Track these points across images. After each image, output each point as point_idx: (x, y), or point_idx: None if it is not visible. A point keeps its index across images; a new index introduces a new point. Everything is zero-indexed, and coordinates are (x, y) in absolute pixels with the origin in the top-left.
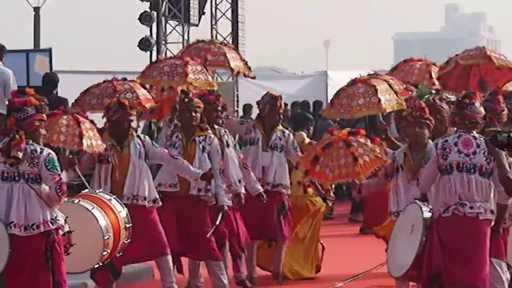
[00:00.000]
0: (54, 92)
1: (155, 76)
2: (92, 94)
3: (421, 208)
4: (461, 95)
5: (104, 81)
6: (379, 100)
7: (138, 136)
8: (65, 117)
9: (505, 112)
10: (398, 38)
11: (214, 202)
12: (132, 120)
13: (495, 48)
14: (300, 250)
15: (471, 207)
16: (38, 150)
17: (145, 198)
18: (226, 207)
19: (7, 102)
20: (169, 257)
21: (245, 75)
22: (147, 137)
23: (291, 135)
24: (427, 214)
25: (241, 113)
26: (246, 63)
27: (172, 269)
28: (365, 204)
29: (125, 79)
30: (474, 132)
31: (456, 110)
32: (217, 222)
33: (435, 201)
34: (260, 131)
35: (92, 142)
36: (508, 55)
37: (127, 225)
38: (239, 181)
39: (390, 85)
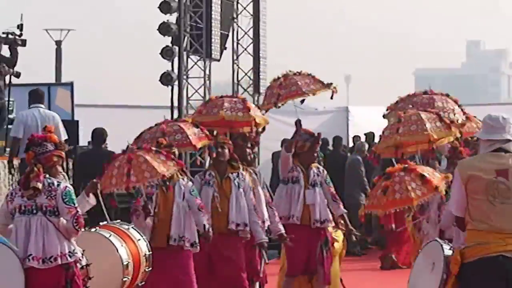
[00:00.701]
0: (103, 146)
1: (216, 112)
2: (143, 140)
3: (441, 245)
4: None
5: (156, 124)
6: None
7: (184, 178)
8: (120, 158)
9: None
10: (419, 74)
11: (248, 238)
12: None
13: None
14: None
15: None
16: (55, 183)
17: (189, 241)
18: (265, 244)
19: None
20: None
21: (332, 95)
22: (190, 182)
23: (325, 171)
24: (448, 252)
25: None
26: (322, 83)
27: None
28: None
29: (176, 120)
30: None
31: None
32: (266, 260)
33: (456, 239)
34: (301, 168)
35: (145, 174)
36: None
37: (147, 253)
38: (263, 221)
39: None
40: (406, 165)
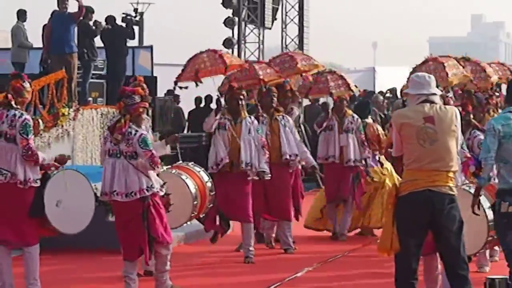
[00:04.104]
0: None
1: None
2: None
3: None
4: None
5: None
6: (447, 75)
7: (249, 116)
8: (204, 53)
9: None
10: (432, 41)
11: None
12: (241, 99)
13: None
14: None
15: None
16: (133, 132)
17: (255, 168)
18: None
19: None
20: (251, 225)
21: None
22: (256, 121)
23: (359, 119)
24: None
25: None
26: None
27: (252, 236)
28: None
29: None
30: None
31: None
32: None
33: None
34: (336, 118)
35: (233, 60)
36: None
37: (211, 193)
38: (296, 155)
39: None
40: None
